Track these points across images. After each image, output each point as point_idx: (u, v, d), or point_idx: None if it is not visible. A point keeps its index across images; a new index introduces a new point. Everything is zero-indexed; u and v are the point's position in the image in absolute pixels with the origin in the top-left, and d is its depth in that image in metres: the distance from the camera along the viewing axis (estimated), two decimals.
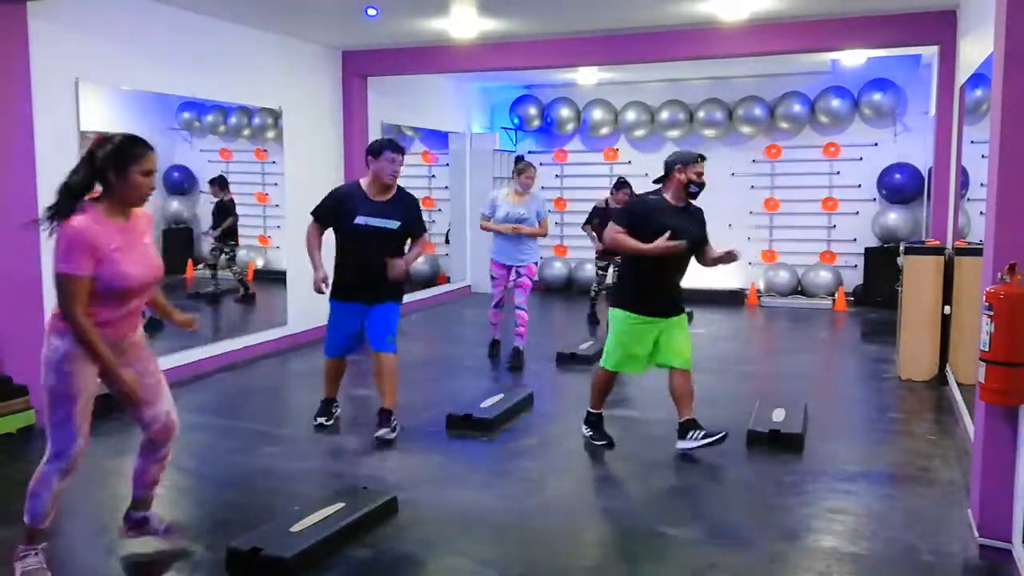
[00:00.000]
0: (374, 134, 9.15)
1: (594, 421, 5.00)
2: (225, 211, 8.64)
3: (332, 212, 5.07)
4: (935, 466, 4.56)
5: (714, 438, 4.62)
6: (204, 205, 8.92)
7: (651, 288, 4.66)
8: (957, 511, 3.90)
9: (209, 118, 8.44)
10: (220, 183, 8.59)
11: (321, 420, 5.28)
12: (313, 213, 5.15)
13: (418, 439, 5.13)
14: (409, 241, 5.13)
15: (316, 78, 8.34)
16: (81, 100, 5.78)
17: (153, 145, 3.17)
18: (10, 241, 5.22)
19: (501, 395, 5.66)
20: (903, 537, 3.66)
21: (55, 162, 5.56)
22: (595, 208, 8.91)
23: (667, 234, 4.42)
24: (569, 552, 3.64)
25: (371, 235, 4.95)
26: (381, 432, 4.95)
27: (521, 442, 5.08)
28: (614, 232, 4.60)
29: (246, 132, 8.64)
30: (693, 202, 4.74)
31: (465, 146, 11.29)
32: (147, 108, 7.19)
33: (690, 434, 4.68)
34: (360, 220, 4.95)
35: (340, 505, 3.77)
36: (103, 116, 6.75)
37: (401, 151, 5.03)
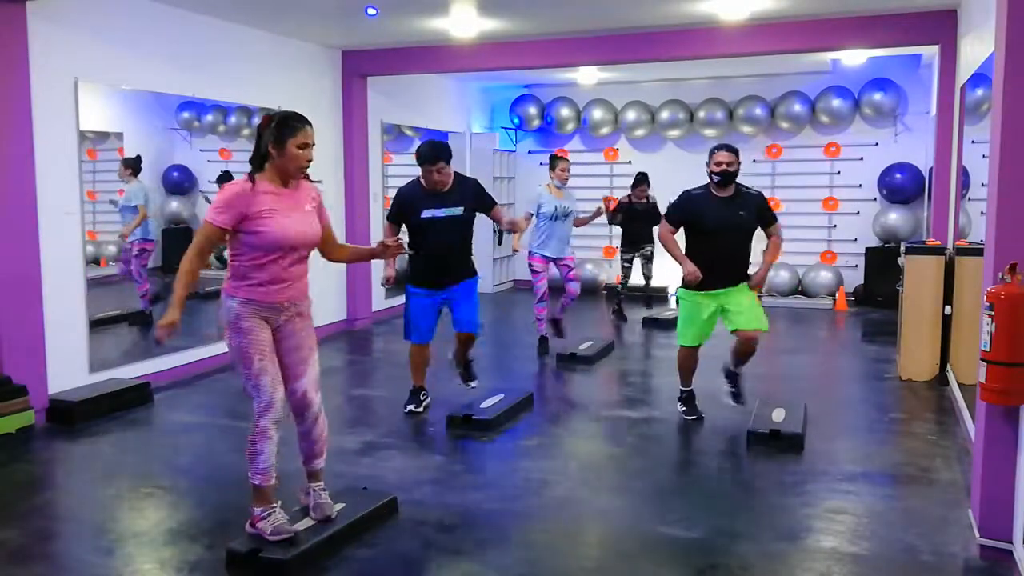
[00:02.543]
0: (374, 134, 9.16)
1: (685, 398, 5.45)
2: None
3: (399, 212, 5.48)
4: (935, 466, 4.55)
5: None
6: (204, 205, 8.91)
7: (704, 269, 5.06)
8: (957, 511, 3.90)
9: (209, 118, 8.42)
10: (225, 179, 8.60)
11: (411, 407, 5.59)
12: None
13: (418, 439, 5.13)
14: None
15: (316, 78, 8.33)
16: (81, 100, 5.78)
17: (307, 120, 3.47)
18: (10, 241, 5.22)
19: (501, 395, 5.66)
20: (903, 537, 3.65)
21: (54, 162, 5.57)
22: (619, 204, 8.94)
23: (691, 267, 5.06)
24: (569, 552, 3.64)
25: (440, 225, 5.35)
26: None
27: (521, 442, 5.08)
28: (665, 232, 5.20)
29: (246, 132, 8.62)
30: (751, 189, 5.33)
31: (465, 146, 11.28)
32: (147, 108, 7.19)
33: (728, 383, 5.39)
34: (426, 214, 5.30)
35: (340, 505, 3.76)
36: (103, 116, 6.74)
37: (436, 159, 5.28)
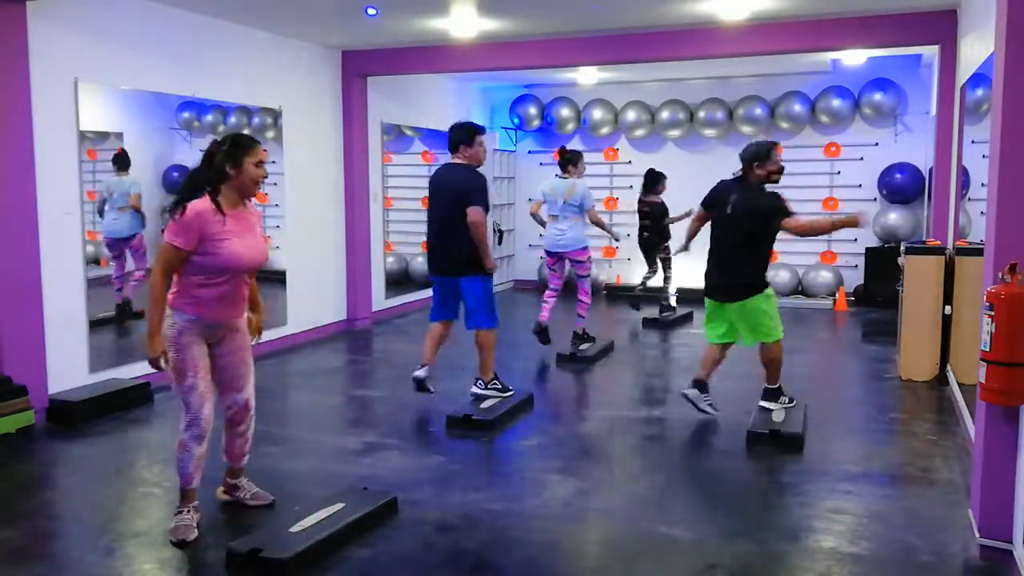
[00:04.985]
0: (374, 134, 9.16)
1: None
2: None
3: None
4: (935, 466, 4.55)
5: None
6: None
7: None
8: (957, 511, 3.90)
9: (209, 118, 8.42)
10: None
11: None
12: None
13: (418, 439, 5.13)
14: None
15: (316, 78, 8.34)
16: (81, 100, 5.78)
17: (258, 140, 3.63)
18: (10, 241, 5.22)
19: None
20: (903, 537, 3.65)
21: (55, 162, 5.58)
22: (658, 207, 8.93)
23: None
24: (569, 552, 3.64)
25: None
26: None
27: (521, 442, 5.08)
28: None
29: (246, 132, 8.63)
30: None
31: None
32: (147, 108, 7.18)
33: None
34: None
35: (340, 505, 3.76)
36: (103, 116, 6.74)
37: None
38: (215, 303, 3.55)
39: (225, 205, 3.50)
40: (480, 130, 5.61)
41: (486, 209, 5.35)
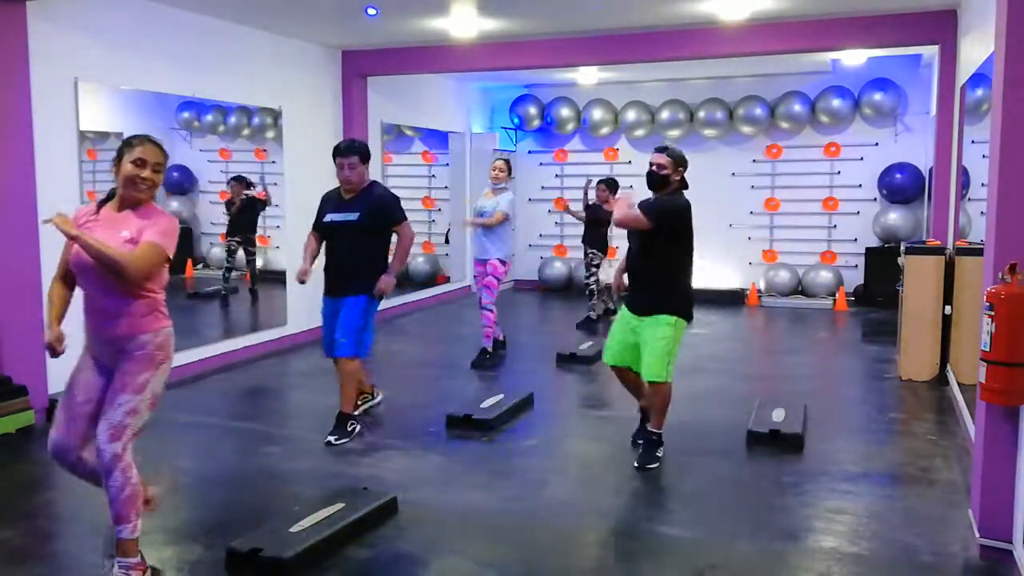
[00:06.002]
0: (374, 134, 9.16)
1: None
2: (253, 207, 8.66)
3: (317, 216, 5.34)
4: (935, 466, 4.55)
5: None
6: (204, 205, 8.92)
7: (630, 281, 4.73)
8: (957, 511, 3.90)
9: (208, 118, 8.43)
10: (242, 181, 8.62)
11: (330, 438, 5.02)
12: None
13: (418, 439, 5.13)
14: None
15: (316, 78, 8.33)
16: (81, 100, 5.78)
17: (152, 140, 3.21)
18: (10, 241, 5.22)
19: (501, 395, 5.66)
20: (903, 537, 3.65)
21: (55, 162, 5.58)
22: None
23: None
24: (569, 552, 3.64)
25: (335, 230, 5.14)
26: (330, 436, 5.00)
27: (521, 442, 5.08)
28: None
29: (246, 132, 8.64)
30: (676, 198, 4.73)
31: (465, 146, 11.28)
32: (146, 108, 7.19)
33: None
34: (328, 218, 5.20)
35: (340, 505, 3.76)
36: (103, 116, 6.74)
37: (350, 152, 5.21)
38: (86, 313, 3.33)
39: (111, 206, 3.23)
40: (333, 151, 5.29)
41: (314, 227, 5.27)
